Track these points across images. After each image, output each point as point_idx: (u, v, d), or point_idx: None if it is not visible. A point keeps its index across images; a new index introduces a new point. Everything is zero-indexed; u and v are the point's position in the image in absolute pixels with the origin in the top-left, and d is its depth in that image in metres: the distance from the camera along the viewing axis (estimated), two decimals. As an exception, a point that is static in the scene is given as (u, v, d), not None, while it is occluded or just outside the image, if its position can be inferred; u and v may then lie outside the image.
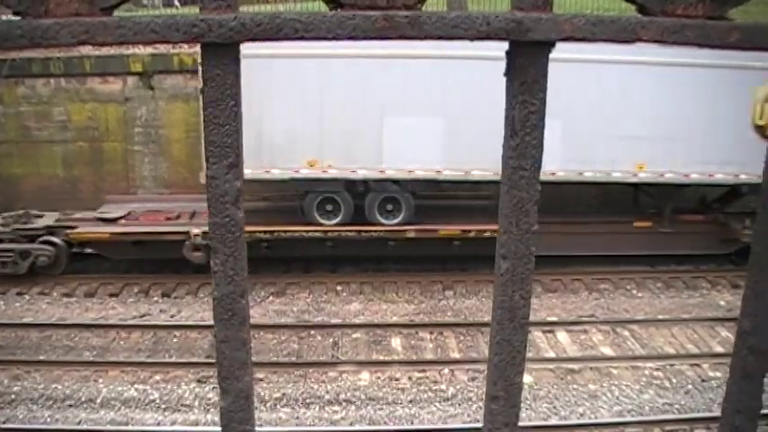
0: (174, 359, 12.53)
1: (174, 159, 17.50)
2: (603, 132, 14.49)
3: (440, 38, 1.11)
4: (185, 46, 17.25)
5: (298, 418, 10.88)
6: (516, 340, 1.29)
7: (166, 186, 17.64)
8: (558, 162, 14.32)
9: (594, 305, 14.57)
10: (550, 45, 1.16)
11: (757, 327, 1.30)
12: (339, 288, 15.32)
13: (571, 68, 13.47)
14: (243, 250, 1.23)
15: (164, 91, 17.37)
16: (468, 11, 1.13)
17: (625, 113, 14.41)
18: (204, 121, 1.17)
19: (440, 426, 10.68)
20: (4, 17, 1.31)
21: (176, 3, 28.28)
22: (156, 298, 14.94)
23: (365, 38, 1.11)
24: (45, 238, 15.27)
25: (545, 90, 1.19)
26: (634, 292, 15.30)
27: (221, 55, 1.13)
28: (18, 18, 1.13)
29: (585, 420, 10.72)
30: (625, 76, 14.14)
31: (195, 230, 14.59)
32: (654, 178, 15.03)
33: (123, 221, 15.62)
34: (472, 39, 1.12)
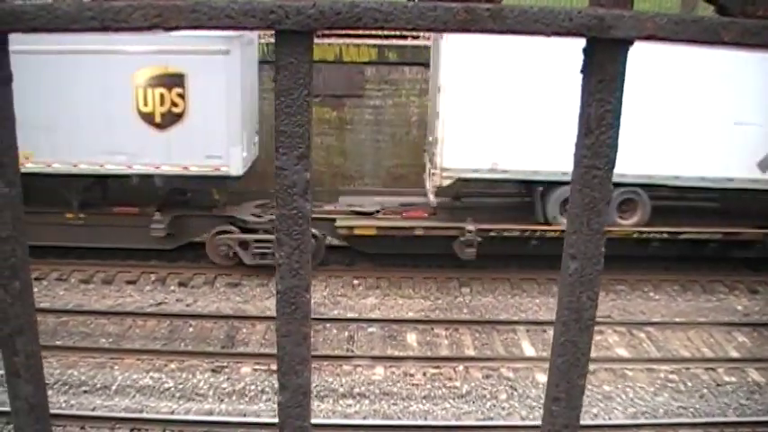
0: (189, 348, 12.57)
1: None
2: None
3: (520, 32, 1.09)
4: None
5: (311, 410, 10.86)
6: (581, 342, 1.27)
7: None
8: None
9: (611, 306, 14.51)
10: (630, 43, 1.14)
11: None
12: (356, 282, 15.33)
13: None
14: (308, 243, 1.21)
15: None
16: (549, 6, 1.10)
17: (21, 102, 13.88)
18: (276, 110, 1.15)
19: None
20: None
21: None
22: (172, 287, 14.98)
23: (442, 30, 1.09)
24: None
25: (622, 88, 1.16)
26: (651, 294, 15.22)
27: (296, 43, 1.11)
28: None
29: (600, 422, 10.69)
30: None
31: (470, 226, 14.81)
32: (41, 168, 14.09)
33: (381, 215, 15.70)
34: (552, 34, 1.10)
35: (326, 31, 1.10)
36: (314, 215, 15.94)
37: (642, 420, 10.79)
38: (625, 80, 1.16)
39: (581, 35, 1.11)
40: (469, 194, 16.32)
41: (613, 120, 1.17)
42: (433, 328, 13.51)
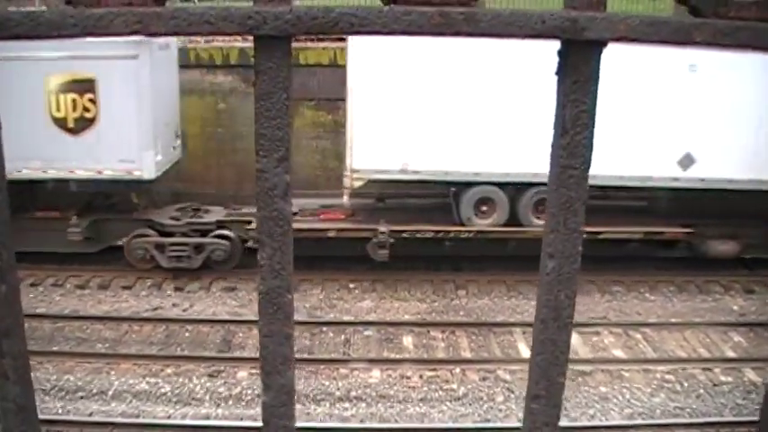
0: (185, 353, 12.56)
1: (191, 154, 17.43)
2: None
3: (495, 35, 1.11)
4: (201, 40, 17.31)
5: (308, 414, 10.89)
6: (560, 340, 1.29)
7: (183, 181, 17.60)
8: None
9: (607, 307, 14.52)
10: (603, 45, 1.16)
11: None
12: (351, 285, 15.32)
13: None
14: (290, 245, 1.23)
15: (180, 86, 17.40)
16: (522, 9, 1.12)
17: None
18: (255, 113, 1.17)
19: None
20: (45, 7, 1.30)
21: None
22: (168, 292, 14.98)
23: (417, 33, 1.10)
24: (219, 232, 15.40)
25: (597, 89, 1.18)
26: (647, 294, 15.22)
27: (275, 48, 1.13)
28: (71, 6, 1.13)
29: (596, 423, 10.71)
30: None
31: (383, 228, 14.77)
32: None
33: (298, 217, 15.63)
34: (526, 37, 1.12)
35: (305, 36, 1.12)
36: (231, 218, 15.41)
37: (639, 421, 10.80)
38: (599, 81, 1.18)
39: (555, 37, 1.13)
40: (392, 195, 16.32)
41: (588, 120, 1.19)
42: (429, 331, 13.50)
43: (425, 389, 11.63)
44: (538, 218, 14.70)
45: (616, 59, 13.86)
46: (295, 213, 15.29)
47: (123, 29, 1.10)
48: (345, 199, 15.13)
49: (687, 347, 13.06)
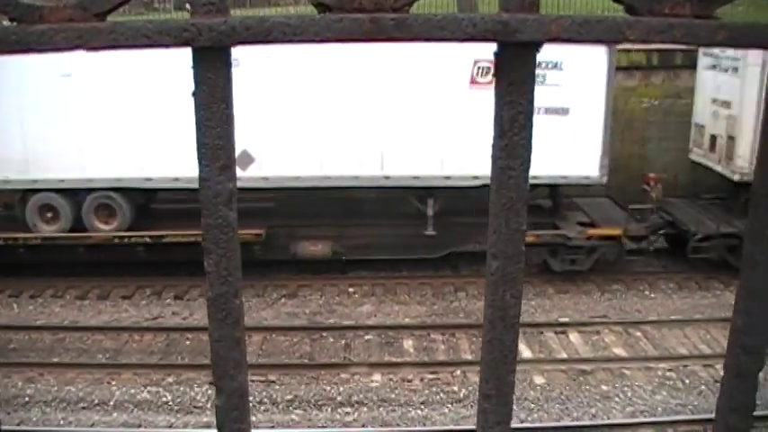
0: (186, 361, 12.60)
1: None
2: None
3: (427, 39, 1.12)
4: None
5: (310, 419, 10.91)
6: (507, 339, 1.31)
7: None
8: None
9: (607, 306, 14.52)
10: (537, 46, 1.17)
11: (750, 325, 1.31)
12: (351, 290, 15.33)
13: None
14: (236, 251, 1.25)
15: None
16: (457, 13, 1.14)
17: None
18: (196, 124, 1.18)
19: (450, 427, 10.71)
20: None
21: (188, 6, 28.45)
22: (168, 300, 15.00)
23: (350, 40, 1.12)
24: None
25: (533, 90, 1.20)
26: (647, 292, 15.22)
27: (212, 58, 1.15)
28: (13, 24, 1.15)
29: (598, 421, 10.71)
30: None
31: None
32: None
33: None
34: (459, 40, 1.13)
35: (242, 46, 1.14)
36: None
37: (641, 419, 10.81)
38: (535, 81, 1.20)
39: (488, 40, 1.14)
40: None
41: (526, 121, 1.20)
42: (429, 334, 13.52)
43: (427, 392, 11.65)
44: (106, 222, 14.82)
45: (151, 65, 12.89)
46: None
47: (64, 44, 1.12)
48: None
49: (688, 344, 13.08)
